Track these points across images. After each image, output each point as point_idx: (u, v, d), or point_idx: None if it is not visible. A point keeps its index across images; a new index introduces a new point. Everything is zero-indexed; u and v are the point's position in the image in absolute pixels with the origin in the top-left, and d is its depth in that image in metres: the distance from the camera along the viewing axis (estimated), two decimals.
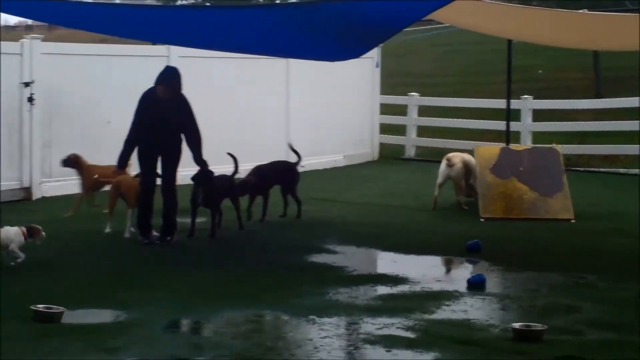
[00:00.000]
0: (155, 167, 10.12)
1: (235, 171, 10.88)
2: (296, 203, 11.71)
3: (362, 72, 17.80)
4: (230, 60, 14.86)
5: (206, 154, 10.25)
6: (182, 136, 10.02)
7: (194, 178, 10.25)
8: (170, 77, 9.99)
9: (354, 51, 12.25)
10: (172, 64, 14.78)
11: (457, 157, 12.63)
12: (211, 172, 10.25)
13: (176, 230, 10.12)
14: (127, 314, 7.27)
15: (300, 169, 14.59)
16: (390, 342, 6.61)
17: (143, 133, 9.93)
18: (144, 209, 10.06)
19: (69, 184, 12.68)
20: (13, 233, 8.76)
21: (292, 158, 12.29)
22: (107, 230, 10.38)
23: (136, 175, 10.33)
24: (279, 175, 11.70)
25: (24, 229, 8.82)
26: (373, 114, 18.49)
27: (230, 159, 10.89)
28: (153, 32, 11.14)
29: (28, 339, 6.49)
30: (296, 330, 7.01)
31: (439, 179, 12.50)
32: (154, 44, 15.05)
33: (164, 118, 9.87)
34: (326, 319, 7.14)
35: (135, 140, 9.98)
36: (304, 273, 8.80)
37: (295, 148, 12.47)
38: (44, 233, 8.93)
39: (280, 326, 7.11)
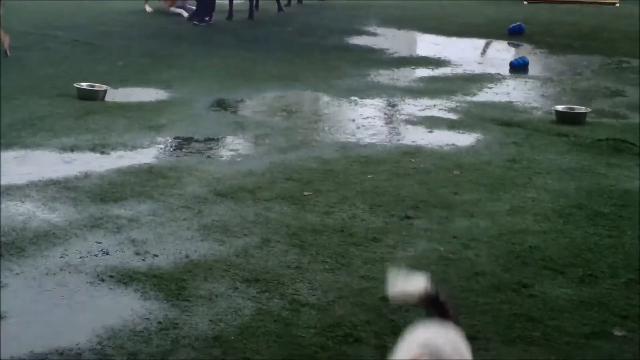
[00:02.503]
0: None
1: None
2: None
3: None
4: None
5: None
6: None
7: None
8: None
9: None
10: None
11: None
12: None
13: (213, 11, 10.02)
14: (169, 93, 7.29)
15: None
16: (432, 122, 6.61)
17: None
18: None
19: None
20: None
21: None
22: (148, 9, 10.31)
23: None
24: None
25: None
26: None
27: None
28: None
29: (75, 115, 6.53)
30: (338, 110, 7.02)
31: None
32: None
33: None
34: (368, 100, 7.13)
35: None
36: (344, 55, 8.73)
37: None
38: None
39: (322, 106, 7.11)
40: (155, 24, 9.96)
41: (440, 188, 5.26)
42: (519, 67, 8.18)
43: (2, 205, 4.71)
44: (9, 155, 5.63)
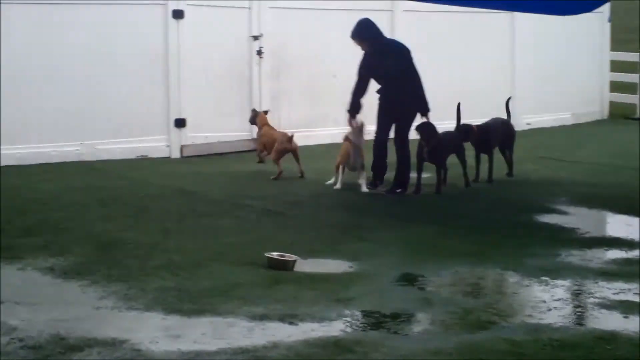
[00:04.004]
0: (389, 120, 10.26)
1: (458, 125, 10.73)
2: (507, 162, 11.42)
3: (591, 27, 17.12)
4: (454, 15, 14.65)
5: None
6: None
7: (417, 128, 10.22)
8: (354, 30, 10.27)
9: (587, 6, 11.85)
10: (396, 19, 14.77)
11: None
12: (433, 125, 10.18)
13: (408, 183, 10.16)
14: (356, 266, 7.33)
15: (525, 126, 14.23)
16: (627, 307, 6.34)
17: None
18: (376, 160, 10.34)
19: (301, 135, 12.15)
20: None
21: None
22: (337, 186, 10.37)
23: None
24: (500, 133, 11.43)
25: None
26: (602, 71, 17.79)
27: (454, 114, 10.75)
28: None
29: (264, 285, 6.65)
30: (528, 290, 6.84)
31: None
32: None
33: (381, 67, 10.14)
34: (559, 281, 6.94)
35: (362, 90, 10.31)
36: (534, 232, 8.58)
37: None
38: None
39: (511, 286, 6.96)
40: (344, 195, 10.17)
41: None
42: None
43: None
44: (200, 321, 5.75)
